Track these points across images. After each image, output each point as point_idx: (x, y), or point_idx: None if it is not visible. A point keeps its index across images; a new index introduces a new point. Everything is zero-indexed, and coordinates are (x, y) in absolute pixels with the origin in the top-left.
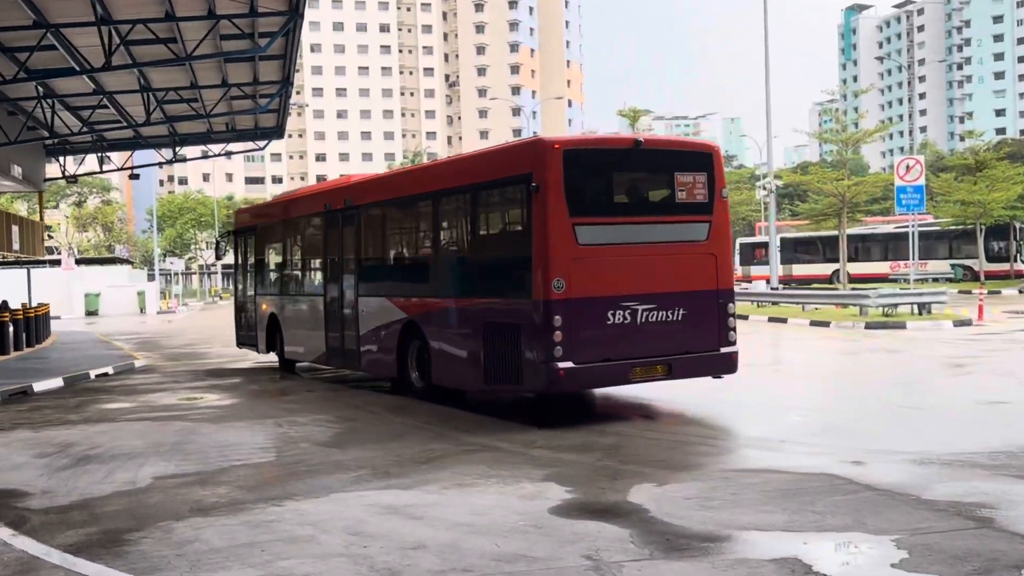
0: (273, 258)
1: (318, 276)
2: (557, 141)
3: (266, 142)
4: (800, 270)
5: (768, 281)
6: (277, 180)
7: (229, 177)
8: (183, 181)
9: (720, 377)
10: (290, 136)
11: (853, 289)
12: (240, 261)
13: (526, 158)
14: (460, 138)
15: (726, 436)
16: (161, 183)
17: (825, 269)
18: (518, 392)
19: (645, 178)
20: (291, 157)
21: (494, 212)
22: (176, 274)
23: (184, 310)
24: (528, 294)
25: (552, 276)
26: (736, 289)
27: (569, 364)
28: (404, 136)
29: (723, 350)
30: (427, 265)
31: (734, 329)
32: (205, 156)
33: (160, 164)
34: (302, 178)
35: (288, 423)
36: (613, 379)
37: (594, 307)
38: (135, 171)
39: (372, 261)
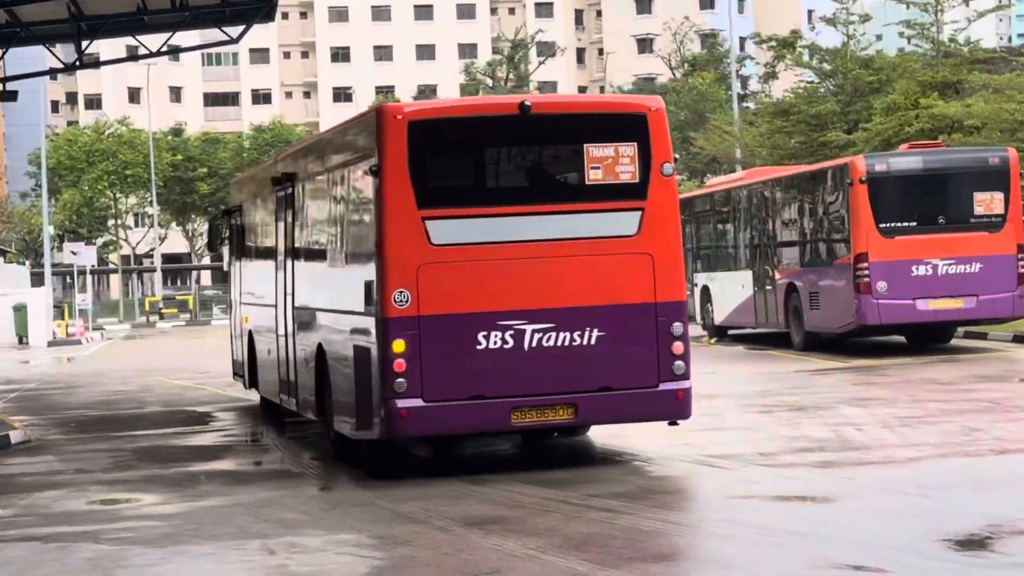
0: (251, 251)
1: (273, 279)
2: (403, 110)
3: (242, 29)
4: None
5: None
6: (261, 98)
7: (176, 95)
8: (94, 103)
9: (676, 423)
10: (285, 16)
11: None
12: (230, 255)
13: (369, 134)
14: (598, 13)
15: None
16: (55, 107)
17: None
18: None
19: (538, 153)
20: (287, 56)
21: (354, 204)
22: (83, 273)
23: (96, 339)
24: (372, 310)
25: (391, 287)
26: None
27: (415, 402)
28: (494, 12)
29: (664, 386)
30: (324, 270)
31: (683, 358)
32: (133, 58)
33: (53, 72)
34: (307, 95)
35: (286, 547)
36: (486, 422)
37: (457, 327)
38: (9, 86)
39: (302, 260)
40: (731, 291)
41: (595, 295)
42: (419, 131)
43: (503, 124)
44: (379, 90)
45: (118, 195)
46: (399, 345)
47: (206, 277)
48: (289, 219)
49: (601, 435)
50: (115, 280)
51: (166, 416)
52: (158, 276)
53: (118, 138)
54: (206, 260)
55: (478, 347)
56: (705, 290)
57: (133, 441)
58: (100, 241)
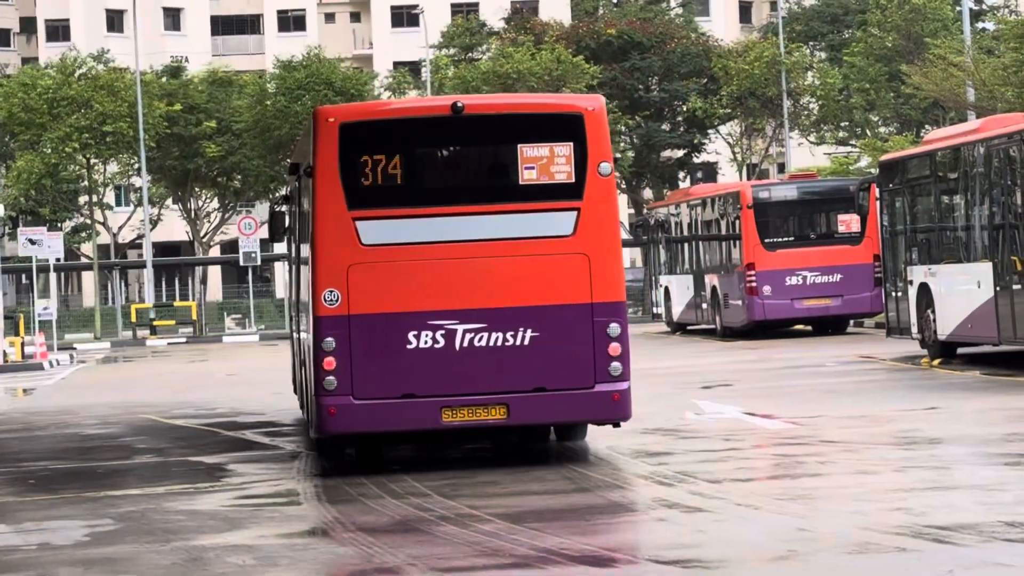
0: (291, 245)
1: (293, 277)
2: (336, 112)
3: None
4: None
5: None
6: (292, 23)
7: (173, 19)
8: (60, 33)
9: (618, 426)
10: None
11: None
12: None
13: (308, 135)
14: None
15: None
16: (6, 38)
17: None
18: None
19: (472, 154)
20: None
21: (307, 204)
22: (46, 271)
23: (64, 362)
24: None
25: (322, 286)
26: None
27: (345, 400)
28: None
29: (600, 387)
30: (304, 269)
31: (620, 358)
32: None
33: None
34: (355, 17)
35: None
36: (416, 420)
37: (387, 326)
38: None
39: (301, 257)
40: (961, 291)
41: (529, 295)
42: (351, 133)
43: (435, 125)
44: (456, 9)
45: (93, 160)
46: (329, 343)
47: (215, 275)
48: (296, 211)
49: (764, 490)
50: (89, 280)
51: (161, 469)
52: (149, 274)
53: (93, 81)
54: (215, 251)
55: (408, 346)
56: (923, 290)
57: (116, 504)
58: (68, 225)
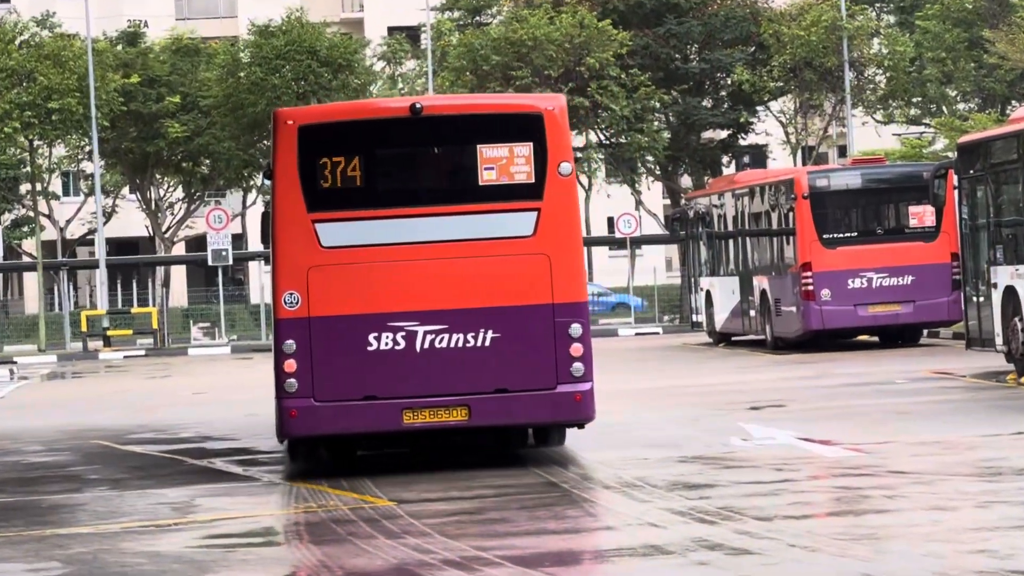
0: None
1: None
2: (295, 115)
3: None
4: None
5: None
6: None
7: None
8: None
9: (582, 427)
10: None
11: None
12: None
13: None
14: None
15: None
16: None
17: None
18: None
19: (431, 155)
20: None
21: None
22: None
23: (4, 378)
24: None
25: (282, 289)
26: None
27: (307, 402)
28: None
29: (563, 388)
30: None
31: (583, 359)
32: None
33: None
34: None
35: None
36: (377, 422)
37: (348, 328)
38: None
39: None
40: None
41: (489, 296)
42: (310, 136)
43: (394, 127)
44: None
45: (37, 143)
46: (289, 346)
47: (179, 277)
48: None
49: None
50: (32, 282)
51: (117, 503)
52: (102, 275)
53: (37, 49)
54: (179, 249)
55: (369, 348)
56: (1010, 294)
57: (64, 544)
58: (8, 219)
